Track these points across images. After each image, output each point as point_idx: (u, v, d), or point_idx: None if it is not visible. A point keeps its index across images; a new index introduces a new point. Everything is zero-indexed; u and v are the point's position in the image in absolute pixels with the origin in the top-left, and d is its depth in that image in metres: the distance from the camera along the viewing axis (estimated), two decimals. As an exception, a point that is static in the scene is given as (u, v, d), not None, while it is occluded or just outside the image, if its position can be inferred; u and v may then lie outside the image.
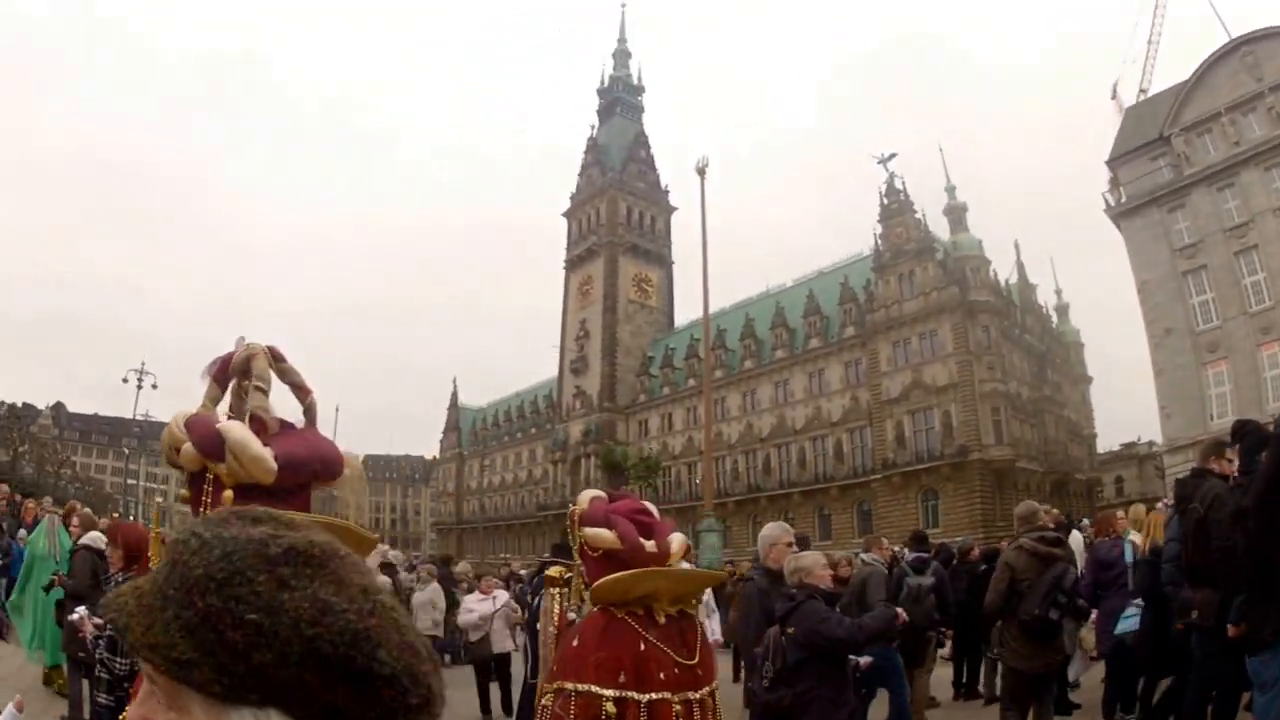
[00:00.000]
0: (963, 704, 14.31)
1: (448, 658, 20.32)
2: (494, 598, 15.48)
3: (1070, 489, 68.12)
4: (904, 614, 8.16)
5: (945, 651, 14.86)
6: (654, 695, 4.40)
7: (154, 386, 59.42)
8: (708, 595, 12.00)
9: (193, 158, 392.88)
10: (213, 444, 3.11)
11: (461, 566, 22.77)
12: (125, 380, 58.16)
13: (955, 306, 68.96)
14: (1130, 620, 10.35)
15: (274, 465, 3.08)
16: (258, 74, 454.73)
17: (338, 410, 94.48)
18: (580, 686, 4.46)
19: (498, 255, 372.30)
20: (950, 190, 74.77)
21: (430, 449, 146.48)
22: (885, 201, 76.83)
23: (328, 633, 0.97)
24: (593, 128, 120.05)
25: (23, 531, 17.11)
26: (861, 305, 77.28)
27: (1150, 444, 71.40)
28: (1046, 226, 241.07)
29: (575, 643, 4.34)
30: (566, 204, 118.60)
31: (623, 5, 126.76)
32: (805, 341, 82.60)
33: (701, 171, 39.93)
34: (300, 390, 3.60)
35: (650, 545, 4.51)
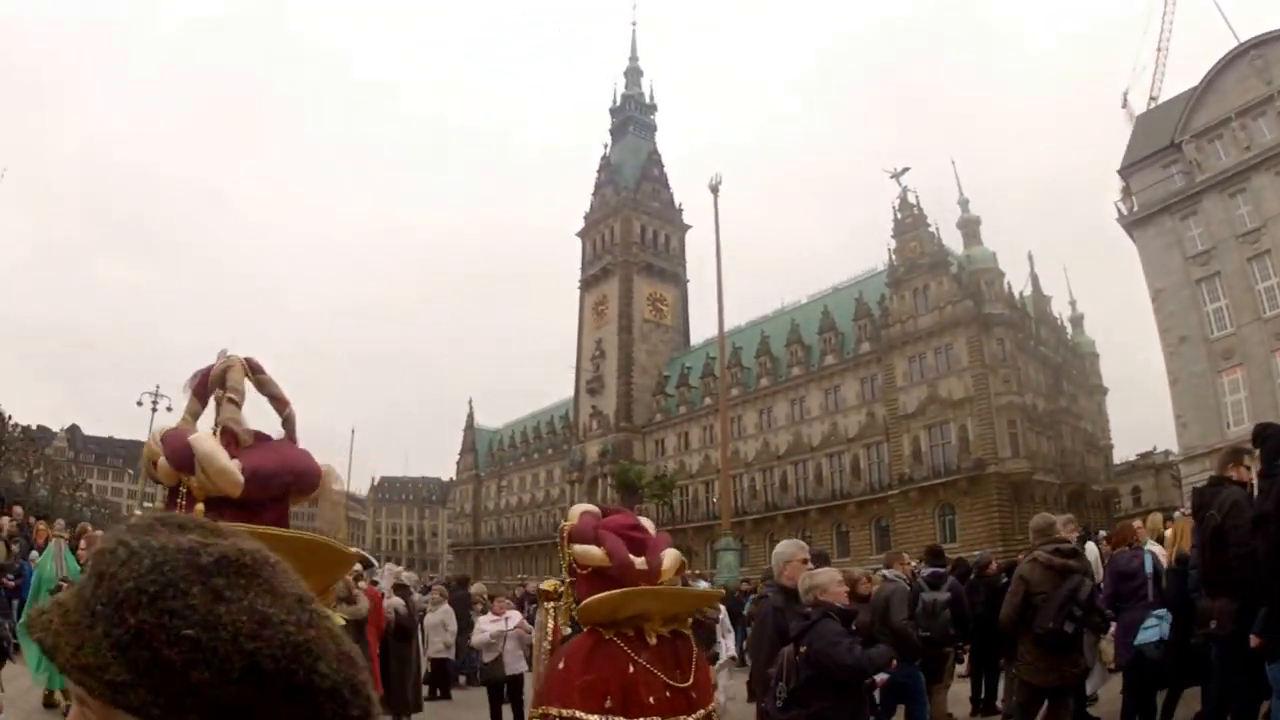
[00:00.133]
0: (981, 720, 14.16)
1: (463, 679, 20.24)
2: (506, 618, 15.34)
3: (1087, 500, 67.82)
4: (894, 662, 7.95)
5: (963, 668, 14.70)
6: None
7: (169, 409, 59.12)
8: (723, 614, 11.84)
9: (206, 179, 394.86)
10: (184, 456, 3.05)
11: (476, 587, 22.64)
12: (140, 403, 58.17)
13: (970, 320, 68.76)
14: (1150, 631, 10.10)
15: (240, 478, 3.00)
16: (266, 94, 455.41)
17: (353, 432, 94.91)
18: (565, 712, 4.28)
19: (512, 276, 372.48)
20: (963, 203, 74.60)
21: (447, 471, 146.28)
22: (899, 216, 76.60)
23: (268, 646, 0.91)
24: (606, 146, 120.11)
25: (34, 553, 17.08)
26: (876, 321, 77.16)
27: (1166, 453, 71.19)
28: (1060, 237, 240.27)
29: (561, 665, 4.15)
30: (581, 223, 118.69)
31: (633, 24, 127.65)
32: (821, 358, 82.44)
33: (715, 189, 39.90)
34: (278, 402, 3.52)
35: (640, 562, 4.33)
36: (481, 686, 16.69)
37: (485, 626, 15.39)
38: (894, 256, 76.68)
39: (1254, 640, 7.68)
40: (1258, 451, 8.19)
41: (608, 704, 4.11)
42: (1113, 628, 11.23)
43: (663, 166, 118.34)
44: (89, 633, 0.93)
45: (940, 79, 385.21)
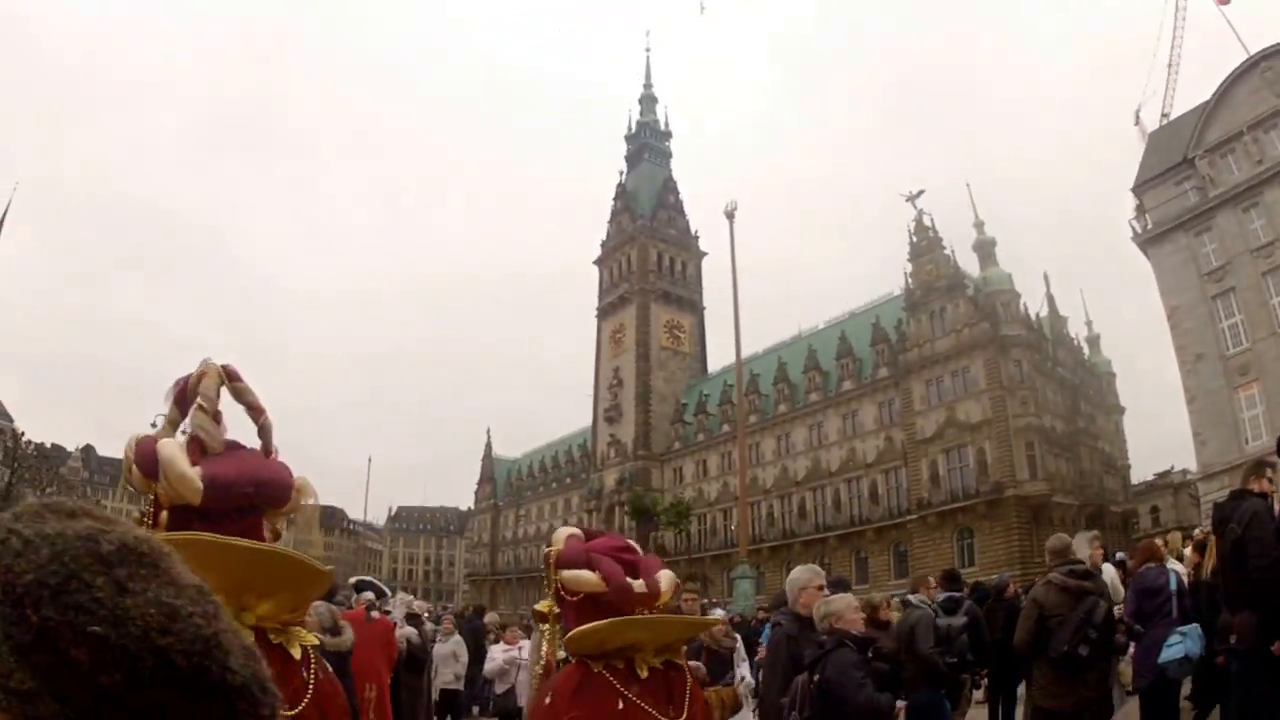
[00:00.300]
0: (999, 746, 14.00)
1: (475, 709, 20.08)
2: (520, 647, 15.25)
3: (1106, 521, 67.42)
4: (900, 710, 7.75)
5: (980, 694, 14.55)
6: None
7: (183, 432, 59.61)
8: (739, 642, 11.66)
9: (224, 207, 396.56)
10: (152, 463, 2.99)
11: (489, 617, 22.60)
12: (154, 424, 58.35)
13: (987, 342, 68.60)
14: (1175, 649, 9.79)
15: (199, 485, 2.92)
16: (279, 122, 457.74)
17: (370, 461, 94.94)
18: None
19: (528, 304, 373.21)
20: (979, 225, 74.47)
21: (465, 500, 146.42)
22: (914, 240, 76.68)
23: (179, 641, 0.68)
24: (621, 174, 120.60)
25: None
26: (894, 345, 77.05)
27: (1184, 472, 70.70)
28: (1075, 258, 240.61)
29: (547, 700, 3.96)
30: (597, 251, 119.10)
31: (647, 51, 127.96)
32: (838, 383, 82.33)
33: (731, 215, 39.88)
34: (254, 410, 3.44)
35: (639, 585, 4.17)
36: (494, 718, 16.57)
37: (497, 655, 15.32)
38: (910, 280, 76.70)
39: (1276, 646, 7.59)
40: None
41: None
42: (1131, 648, 11.03)
43: (678, 193, 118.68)
44: None
45: (953, 101, 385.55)
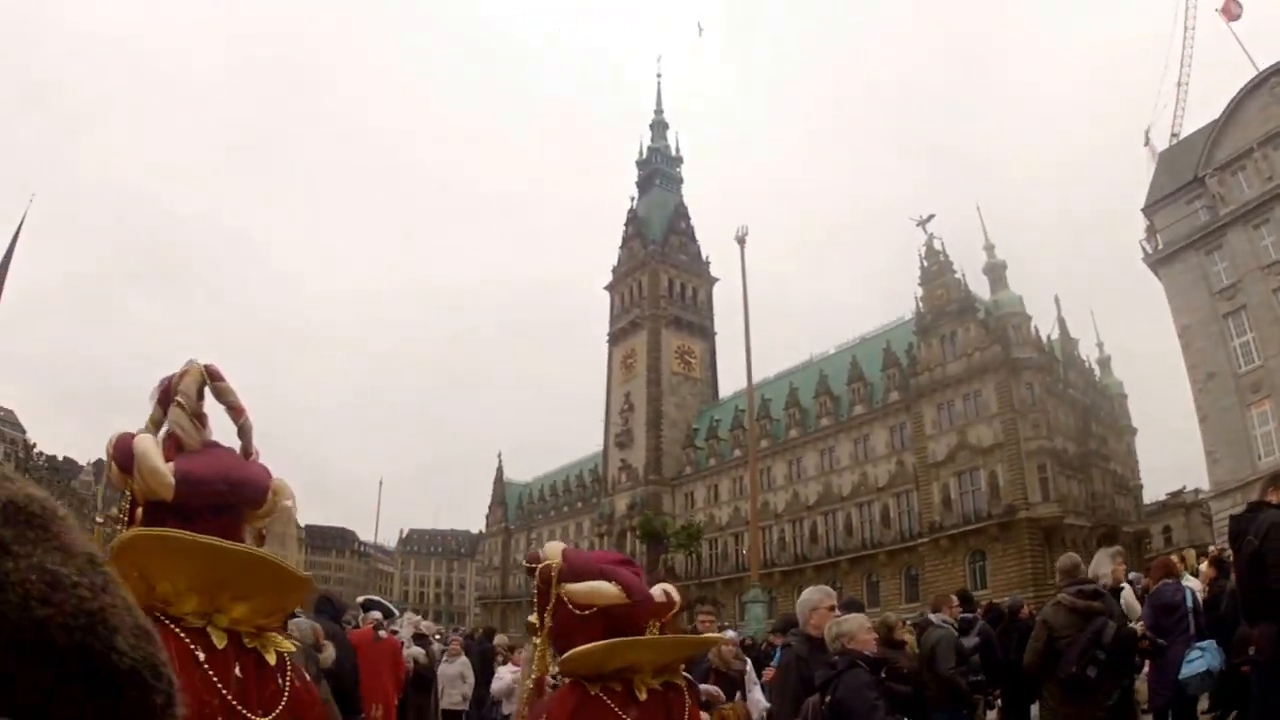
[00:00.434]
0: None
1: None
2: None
3: (1119, 542, 66.38)
4: None
5: (994, 715, 14.49)
6: None
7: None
8: (749, 665, 11.55)
9: (234, 222, 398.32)
10: (128, 458, 2.96)
11: (499, 639, 22.49)
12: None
13: (999, 365, 68.45)
14: (1196, 663, 9.78)
15: (170, 480, 2.90)
16: (292, 147, 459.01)
17: (381, 484, 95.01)
18: None
19: (540, 329, 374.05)
20: (989, 249, 74.42)
21: (476, 524, 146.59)
22: (925, 264, 76.81)
23: (60, 614, 0.58)
24: (633, 199, 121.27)
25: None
26: (905, 369, 77.03)
27: (1196, 492, 70.53)
28: (1086, 279, 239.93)
29: None
30: (608, 277, 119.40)
31: (659, 77, 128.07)
32: (850, 408, 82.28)
33: (741, 241, 39.76)
34: (234, 410, 3.42)
35: (658, 593, 4.05)
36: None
37: (505, 674, 15.23)
38: (921, 304, 76.73)
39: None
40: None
41: None
42: (1146, 666, 10.92)
43: (689, 219, 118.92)
44: None
45: (961, 125, 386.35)
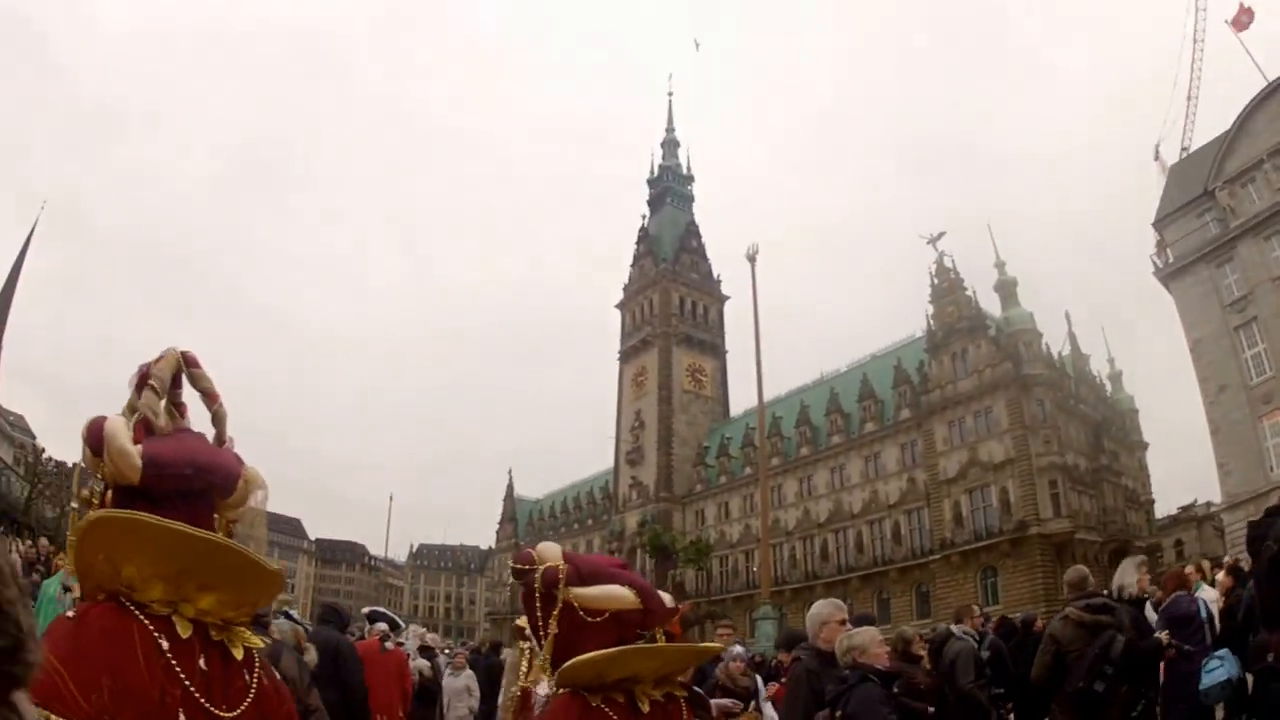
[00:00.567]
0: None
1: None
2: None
3: (1130, 556, 66.89)
4: None
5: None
6: None
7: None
8: (758, 680, 11.47)
9: (243, 236, 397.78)
10: (98, 439, 2.96)
11: (505, 653, 22.47)
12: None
13: (1009, 382, 68.36)
14: (1217, 673, 9.40)
15: (137, 462, 2.91)
16: (301, 165, 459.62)
17: (391, 498, 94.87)
18: None
19: (551, 346, 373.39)
20: (1000, 266, 74.40)
21: (487, 539, 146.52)
22: (936, 281, 76.77)
23: None
24: (644, 217, 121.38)
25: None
26: (916, 387, 77.00)
27: (1208, 505, 70.40)
28: (1097, 295, 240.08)
29: None
30: (619, 294, 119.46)
31: (669, 95, 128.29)
32: (861, 426, 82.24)
33: (752, 259, 39.74)
34: (208, 397, 3.43)
35: (668, 599, 3.95)
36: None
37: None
38: (932, 321, 76.65)
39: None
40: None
41: None
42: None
43: (700, 238, 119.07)
44: None
45: (972, 142, 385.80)
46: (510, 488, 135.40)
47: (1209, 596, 11.41)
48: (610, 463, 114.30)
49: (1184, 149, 60.70)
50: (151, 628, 2.66)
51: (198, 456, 3.12)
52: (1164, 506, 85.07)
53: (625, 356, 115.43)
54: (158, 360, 3.33)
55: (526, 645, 4.08)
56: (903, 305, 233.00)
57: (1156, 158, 63.65)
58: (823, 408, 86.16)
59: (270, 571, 2.96)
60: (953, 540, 69.17)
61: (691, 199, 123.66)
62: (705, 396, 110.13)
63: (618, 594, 3.60)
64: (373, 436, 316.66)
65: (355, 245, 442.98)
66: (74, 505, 3.24)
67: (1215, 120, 57.06)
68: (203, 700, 2.68)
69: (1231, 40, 58.04)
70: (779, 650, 11.35)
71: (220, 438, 3.41)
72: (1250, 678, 9.43)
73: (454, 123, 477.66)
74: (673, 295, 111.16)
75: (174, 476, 2.99)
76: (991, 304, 74.36)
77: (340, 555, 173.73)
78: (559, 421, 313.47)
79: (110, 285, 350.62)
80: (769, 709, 11.09)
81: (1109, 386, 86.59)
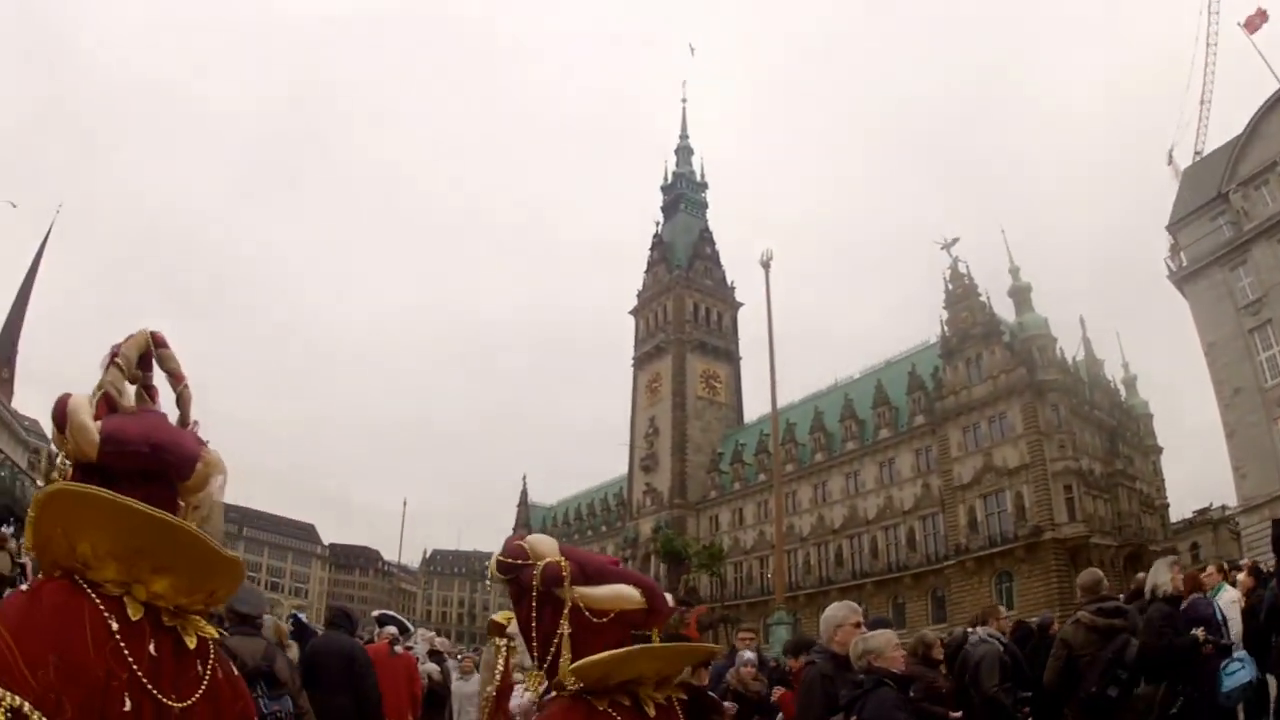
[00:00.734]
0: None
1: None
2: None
3: (1145, 561, 66.51)
4: None
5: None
6: None
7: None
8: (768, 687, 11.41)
9: (256, 246, 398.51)
10: (62, 415, 2.94)
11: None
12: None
13: (1024, 388, 68.33)
14: (1239, 675, 9.24)
15: (95, 438, 2.89)
16: (310, 171, 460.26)
17: (405, 504, 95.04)
18: None
19: (565, 354, 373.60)
20: (1014, 271, 74.19)
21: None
22: (950, 287, 76.69)
23: None
24: (658, 224, 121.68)
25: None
26: (930, 393, 77.03)
27: (1223, 508, 70.46)
28: (1111, 299, 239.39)
29: None
30: (633, 301, 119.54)
31: (684, 102, 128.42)
32: (875, 432, 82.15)
33: (766, 265, 39.68)
34: (174, 378, 3.42)
35: (672, 599, 3.81)
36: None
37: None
38: (946, 327, 76.69)
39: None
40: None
41: None
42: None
43: (714, 244, 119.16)
44: None
45: (984, 148, 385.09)
46: (524, 494, 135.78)
47: (1231, 597, 11.36)
48: (624, 469, 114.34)
49: (1197, 152, 60.68)
50: (102, 608, 2.64)
51: (156, 435, 3.08)
52: (1179, 510, 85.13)
53: (639, 363, 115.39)
54: (126, 340, 3.30)
55: (503, 643, 3.93)
56: (917, 311, 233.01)
57: (1170, 161, 63.78)
58: (837, 414, 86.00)
59: (227, 559, 2.90)
60: (968, 545, 69.03)
61: (705, 205, 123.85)
62: (719, 403, 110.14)
63: (625, 593, 3.40)
64: (386, 442, 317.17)
65: (369, 255, 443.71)
66: (39, 484, 3.21)
67: (1228, 123, 57.06)
68: (150, 686, 2.64)
69: (1244, 44, 58.03)
70: (787, 656, 11.18)
71: (184, 419, 3.38)
72: (1272, 679, 9.39)
73: (461, 132, 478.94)
74: (687, 301, 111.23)
75: (132, 454, 2.95)
76: (1005, 309, 74.40)
77: (354, 560, 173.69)
78: (573, 428, 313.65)
79: (126, 288, 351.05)
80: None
81: (1123, 391, 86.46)
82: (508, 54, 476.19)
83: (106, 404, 3.11)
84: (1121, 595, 12.70)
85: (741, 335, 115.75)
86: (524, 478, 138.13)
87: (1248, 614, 10.87)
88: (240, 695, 3.07)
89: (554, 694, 3.32)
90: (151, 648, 2.70)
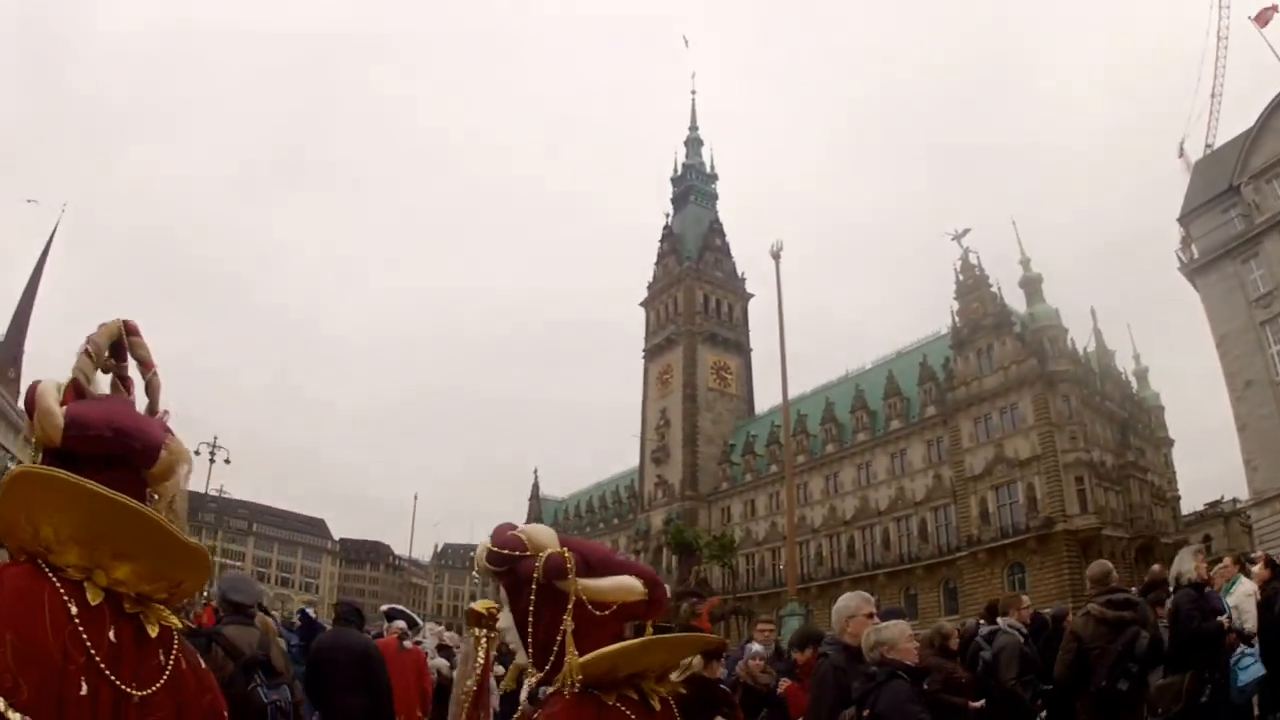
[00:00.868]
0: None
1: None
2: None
3: (1157, 554, 66.31)
4: None
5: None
6: None
7: (226, 461, 59.90)
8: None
9: (263, 234, 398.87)
10: (31, 401, 2.95)
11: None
12: (197, 452, 58.60)
13: (1035, 379, 68.23)
14: (1253, 669, 9.39)
15: (60, 422, 2.87)
16: (319, 166, 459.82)
17: (415, 498, 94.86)
18: None
19: (575, 345, 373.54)
20: (1025, 262, 74.02)
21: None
22: (960, 278, 76.57)
23: None
24: (668, 216, 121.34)
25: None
26: (941, 384, 76.97)
27: (1234, 501, 70.29)
28: (1122, 292, 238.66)
29: None
30: (644, 293, 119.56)
31: (693, 93, 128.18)
32: (886, 423, 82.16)
33: (777, 256, 39.60)
34: (144, 365, 3.42)
35: (667, 589, 3.71)
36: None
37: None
38: (957, 318, 76.60)
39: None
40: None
41: None
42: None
43: (725, 236, 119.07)
44: None
45: (994, 140, 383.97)
46: (535, 487, 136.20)
47: (1247, 590, 11.30)
48: (636, 462, 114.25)
49: (1208, 145, 60.62)
50: (62, 592, 2.64)
51: (119, 420, 3.05)
52: (1190, 503, 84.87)
53: (650, 355, 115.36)
54: (99, 328, 3.32)
55: (481, 634, 3.81)
56: (927, 302, 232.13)
57: (1181, 155, 63.62)
58: (848, 405, 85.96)
59: (191, 547, 2.85)
60: (979, 537, 68.98)
61: (715, 197, 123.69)
62: (730, 394, 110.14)
63: (629, 585, 3.27)
64: (396, 437, 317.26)
65: (376, 249, 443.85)
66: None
67: (1239, 116, 56.87)
68: (108, 672, 2.62)
69: (1256, 37, 57.88)
70: (793, 649, 11.04)
71: (153, 407, 3.38)
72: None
73: (470, 123, 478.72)
74: (697, 293, 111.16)
75: (94, 438, 2.93)
76: (1016, 300, 74.23)
77: (364, 555, 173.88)
78: (584, 421, 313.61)
79: (130, 288, 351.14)
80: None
81: (1134, 383, 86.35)
82: (517, 44, 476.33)
83: (75, 391, 3.11)
84: (1134, 588, 12.61)
85: (752, 326, 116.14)
86: (535, 471, 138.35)
87: (1263, 606, 10.83)
88: (207, 689, 3.03)
89: (551, 691, 3.18)
90: (111, 634, 2.69)
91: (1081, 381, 70.63)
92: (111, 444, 2.98)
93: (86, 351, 3.20)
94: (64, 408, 2.92)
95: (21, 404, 3.10)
